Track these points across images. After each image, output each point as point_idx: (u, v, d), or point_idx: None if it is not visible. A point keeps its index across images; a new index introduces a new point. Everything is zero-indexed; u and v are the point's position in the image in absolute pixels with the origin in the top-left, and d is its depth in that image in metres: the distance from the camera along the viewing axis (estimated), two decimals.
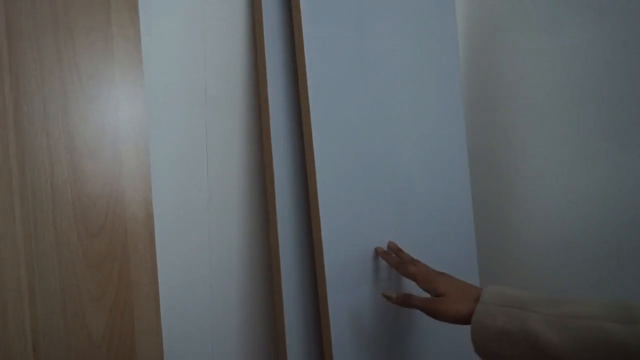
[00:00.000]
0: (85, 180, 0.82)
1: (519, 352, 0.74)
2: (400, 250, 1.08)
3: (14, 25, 0.75)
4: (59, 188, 0.80)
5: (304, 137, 1.05)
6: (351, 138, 1.10)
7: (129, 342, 0.86)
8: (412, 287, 1.02)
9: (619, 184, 1.22)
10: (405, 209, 1.19)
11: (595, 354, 0.69)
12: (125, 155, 0.87)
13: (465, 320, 0.83)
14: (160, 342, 0.89)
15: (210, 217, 1.03)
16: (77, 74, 0.82)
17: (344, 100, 1.10)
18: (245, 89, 1.06)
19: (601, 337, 0.69)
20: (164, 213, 0.96)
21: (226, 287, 1.04)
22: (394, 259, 1.05)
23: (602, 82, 1.22)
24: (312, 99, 1.03)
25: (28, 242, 0.75)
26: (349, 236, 1.08)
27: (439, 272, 0.96)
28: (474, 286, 0.90)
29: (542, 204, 1.35)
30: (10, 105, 0.75)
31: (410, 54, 1.23)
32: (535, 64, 1.31)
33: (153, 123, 0.95)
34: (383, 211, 1.15)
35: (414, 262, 1.02)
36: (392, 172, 1.17)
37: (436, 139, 1.26)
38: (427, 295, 0.93)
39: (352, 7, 1.12)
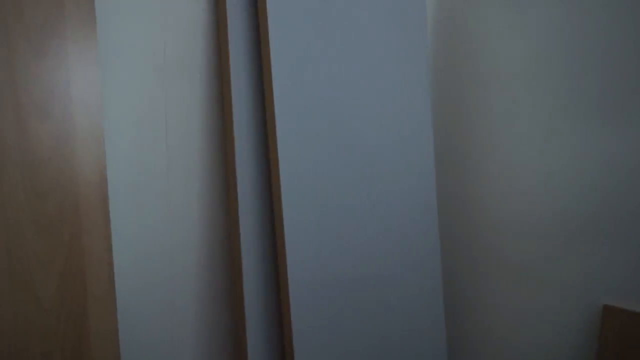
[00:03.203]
0: (32, 140, 0.78)
1: None
2: None
3: None
4: (6, 147, 0.76)
5: (265, 100, 1.03)
6: (315, 112, 1.08)
7: (81, 309, 0.83)
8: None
9: (582, 162, 1.24)
10: (367, 186, 1.17)
11: None
12: (77, 116, 0.83)
13: None
14: (113, 310, 0.87)
15: (169, 182, 1.01)
16: (23, 25, 0.77)
17: (308, 67, 1.07)
18: (206, 51, 1.03)
19: None
20: (119, 178, 0.93)
21: (186, 257, 1.02)
22: None
23: (565, 62, 1.22)
24: (274, 64, 1.01)
25: None
26: (308, 203, 1.07)
27: None
28: None
29: (506, 183, 1.36)
30: None
31: (377, 30, 1.21)
32: (503, 42, 1.31)
33: (108, 83, 0.91)
34: (343, 187, 1.14)
35: None
36: (352, 147, 1.15)
37: (401, 117, 1.24)
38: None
39: None
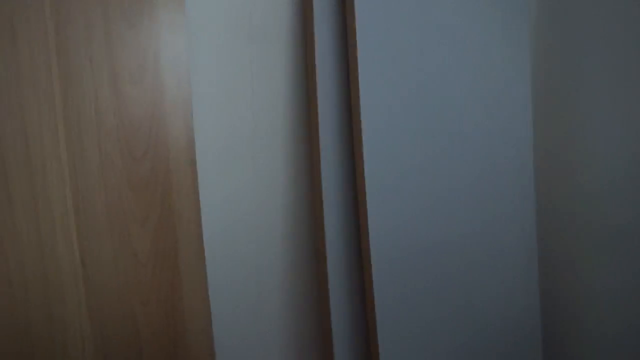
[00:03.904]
0: (127, 105, 0.84)
1: None
2: None
3: None
4: (102, 113, 0.82)
5: (349, 71, 1.00)
6: (402, 81, 1.04)
7: (173, 263, 0.89)
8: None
9: None
10: (457, 155, 1.13)
11: None
12: (167, 82, 0.87)
13: None
14: (202, 266, 0.92)
15: (254, 147, 1.03)
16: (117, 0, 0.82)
17: (397, 50, 1.02)
18: (291, 18, 1.02)
19: None
20: (207, 142, 0.97)
21: (270, 219, 1.05)
22: None
23: None
24: (360, 33, 0.97)
25: (72, 163, 0.78)
26: (391, 175, 1.04)
27: None
28: None
29: (602, 150, 1.26)
30: (52, 30, 0.76)
31: (477, 18, 1.13)
32: (605, 10, 1.18)
33: (196, 50, 0.94)
34: (434, 162, 1.10)
35: None
36: (443, 117, 1.10)
37: (497, 85, 1.17)
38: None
39: None
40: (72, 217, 0.79)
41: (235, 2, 0.99)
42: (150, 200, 0.87)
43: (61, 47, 0.78)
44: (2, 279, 0.73)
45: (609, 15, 1.19)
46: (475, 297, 1.17)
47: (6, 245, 0.73)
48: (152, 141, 0.87)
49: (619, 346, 1.19)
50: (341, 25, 1.02)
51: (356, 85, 0.99)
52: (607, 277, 1.23)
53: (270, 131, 1.04)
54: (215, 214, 1.00)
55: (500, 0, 1.17)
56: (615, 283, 1.21)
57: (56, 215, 0.77)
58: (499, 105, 1.18)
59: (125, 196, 0.85)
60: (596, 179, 1.27)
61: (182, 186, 0.90)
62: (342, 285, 1.05)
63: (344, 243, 1.05)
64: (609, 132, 1.22)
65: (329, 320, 1.05)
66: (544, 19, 1.33)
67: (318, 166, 1.02)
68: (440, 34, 1.08)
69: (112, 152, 0.83)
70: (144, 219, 0.87)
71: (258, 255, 1.05)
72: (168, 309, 0.90)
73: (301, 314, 1.10)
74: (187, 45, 0.89)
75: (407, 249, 1.08)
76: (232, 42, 1.00)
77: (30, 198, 0.74)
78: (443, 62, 1.09)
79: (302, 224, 1.08)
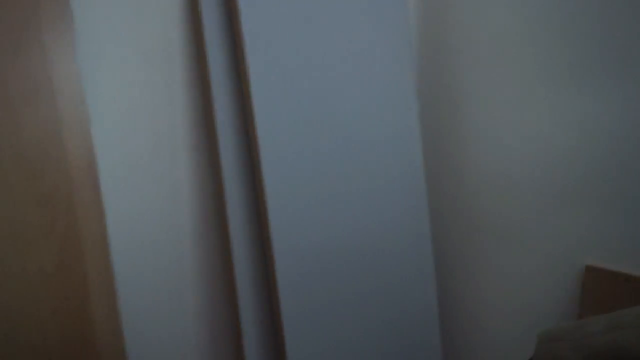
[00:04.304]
0: (24, 127, 0.88)
1: None
2: None
3: None
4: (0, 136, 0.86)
5: (242, 81, 1.08)
6: (291, 89, 1.12)
7: (80, 270, 0.96)
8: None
9: (563, 127, 1.23)
10: (348, 156, 1.20)
11: None
12: (61, 105, 0.92)
13: None
14: (109, 271, 0.98)
15: (157, 162, 1.09)
16: (3, 25, 0.85)
17: (285, 56, 1.10)
18: (183, 37, 1.08)
19: (605, 349, 0.78)
20: (110, 160, 1.02)
21: (178, 223, 1.12)
22: None
23: (544, 31, 1.20)
24: (249, 48, 1.04)
25: None
26: (289, 170, 1.12)
27: None
28: None
29: (488, 147, 1.37)
30: None
31: (354, 21, 1.20)
32: (484, 10, 1.29)
33: (92, 73, 0.99)
34: (327, 163, 1.17)
35: None
36: (337, 126, 1.18)
37: (383, 92, 1.25)
38: None
39: None
40: None
41: (129, 22, 1.04)
42: (54, 213, 0.93)
43: None
44: None
45: (491, 7, 1.27)
46: (374, 295, 1.26)
47: None
48: (51, 159, 0.92)
49: (511, 341, 1.32)
50: (231, 40, 1.09)
51: (249, 95, 1.07)
52: (495, 272, 1.34)
53: (171, 145, 1.11)
54: (123, 224, 1.06)
55: (382, 3, 1.24)
56: (504, 275, 1.32)
57: None
58: (387, 106, 1.27)
59: (27, 211, 0.90)
60: (481, 177, 1.36)
61: (85, 198, 0.95)
62: (250, 286, 1.14)
63: (249, 246, 1.14)
64: (493, 132, 1.31)
65: (238, 320, 1.14)
66: (426, 17, 1.41)
67: (220, 177, 1.10)
68: (326, 40, 1.16)
69: (11, 170, 0.88)
70: (49, 232, 0.92)
71: (169, 260, 1.13)
72: (78, 316, 0.96)
73: (214, 315, 1.19)
74: (79, 66, 0.94)
75: (308, 249, 1.16)
76: (128, 63, 1.05)
77: None
78: (331, 67, 1.17)
79: (210, 228, 1.16)
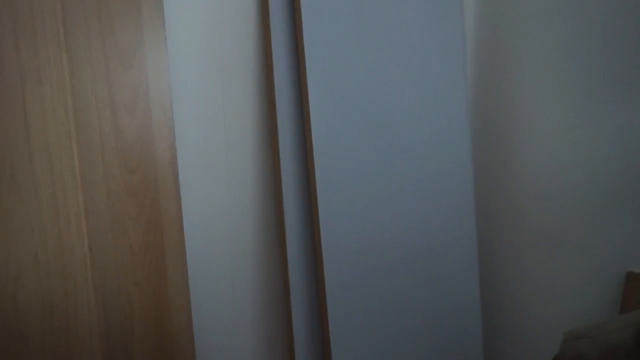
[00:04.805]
0: (124, 130, 1.10)
1: None
2: None
3: (67, 15, 1.02)
4: (105, 136, 1.08)
5: (302, 96, 1.25)
6: (347, 96, 1.26)
7: (160, 251, 1.14)
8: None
9: (601, 134, 1.29)
10: (402, 165, 1.29)
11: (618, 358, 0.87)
12: (154, 111, 1.13)
13: None
14: (183, 254, 1.17)
15: (227, 162, 1.28)
16: (115, 49, 1.08)
17: (341, 63, 1.25)
18: (255, 56, 1.28)
19: (621, 345, 0.88)
20: (188, 158, 1.22)
21: (242, 217, 1.30)
22: None
23: (589, 48, 1.28)
24: (309, 64, 1.22)
25: (82, 175, 1.04)
26: (342, 180, 1.26)
27: None
28: None
29: (539, 157, 1.43)
30: (67, 74, 1.02)
31: (410, 12, 1.31)
32: (536, 27, 1.38)
33: (178, 85, 1.20)
34: (378, 164, 1.29)
35: None
36: (388, 129, 1.29)
37: (436, 98, 1.34)
38: None
39: None
40: (83, 215, 1.04)
41: (210, 45, 1.25)
42: (142, 202, 1.12)
43: (74, 88, 1.04)
44: (31, 261, 0.98)
45: (541, 25, 1.35)
46: (420, 295, 1.32)
47: (35, 236, 0.98)
48: (143, 157, 1.12)
49: (551, 343, 1.32)
50: (295, 54, 1.27)
51: (307, 108, 1.24)
52: (538, 276, 1.38)
53: (240, 147, 1.30)
54: (195, 214, 1.25)
55: (437, 10, 1.32)
56: (547, 281, 1.35)
57: (71, 214, 1.03)
58: (439, 111, 1.33)
59: (123, 200, 1.10)
60: (529, 182, 1.40)
61: (167, 192, 1.15)
62: (301, 281, 1.28)
63: (302, 243, 1.29)
64: (541, 140, 1.36)
65: (290, 313, 1.27)
66: (481, 28, 1.52)
67: (279, 176, 1.27)
68: (381, 51, 1.26)
69: (113, 166, 1.09)
70: (137, 217, 1.12)
71: (231, 247, 1.30)
72: (156, 289, 1.14)
73: (269, 301, 1.34)
74: (169, 82, 1.15)
75: (357, 249, 1.24)
76: (208, 77, 1.25)
77: (53, 201, 0.99)
78: (386, 78, 1.27)
79: (268, 225, 1.33)
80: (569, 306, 1.33)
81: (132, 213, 1.12)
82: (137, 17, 1.10)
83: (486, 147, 1.52)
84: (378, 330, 1.29)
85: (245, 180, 1.31)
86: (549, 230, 1.38)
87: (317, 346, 1.30)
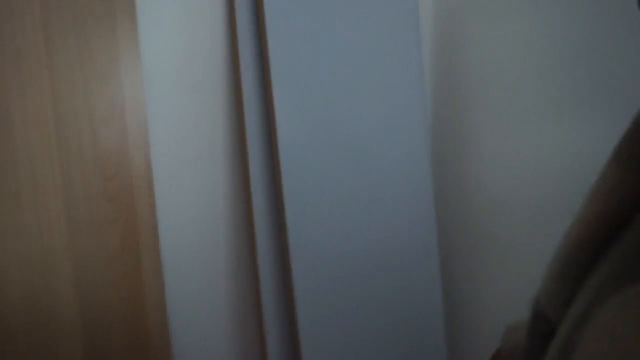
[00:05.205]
0: (101, 141, 1.20)
1: None
2: None
3: (49, 36, 1.13)
4: (84, 147, 1.18)
5: (268, 108, 1.37)
6: (311, 112, 1.38)
7: (136, 254, 1.24)
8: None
9: (559, 152, 1.39)
10: (363, 172, 1.39)
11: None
12: (130, 124, 1.23)
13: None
14: (158, 256, 1.26)
15: (199, 171, 1.39)
16: (92, 67, 1.19)
17: (304, 76, 1.38)
18: (224, 73, 1.40)
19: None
20: (162, 166, 1.33)
21: (214, 222, 1.40)
22: None
23: (545, 66, 1.39)
24: (274, 77, 1.34)
25: (64, 182, 1.14)
26: (307, 184, 1.38)
27: None
28: None
29: (497, 171, 1.52)
30: (49, 91, 1.13)
31: (367, 21, 1.44)
32: (495, 46, 1.50)
33: (152, 100, 1.31)
34: (340, 171, 1.40)
35: None
36: (350, 137, 1.39)
37: (395, 107, 1.44)
38: None
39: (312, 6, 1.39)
40: (63, 218, 1.13)
41: (183, 62, 1.36)
42: (119, 207, 1.22)
43: (55, 103, 1.14)
44: (14, 261, 1.07)
45: (499, 29, 1.45)
46: (384, 298, 1.39)
47: (16, 237, 1.07)
48: (120, 166, 1.22)
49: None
50: (261, 72, 1.39)
51: (274, 123, 1.36)
52: (494, 279, 1.45)
53: (211, 156, 1.40)
54: (170, 219, 1.35)
55: (393, 17, 1.43)
56: (506, 285, 1.42)
57: (52, 217, 1.12)
58: (398, 121, 1.43)
59: (100, 205, 1.20)
60: (484, 194, 1.49)
61: (142, 198, 1.25)
62: (271, 281, 1.39)
63: (272, 246, 1.39)
64: (498, 150, 1.45)
65: (261, 310, 1.37)
66: (438, 33, 1.64)
67: (248, 183, 1.38)
68: (342, 59, 1.37)
69: (92, 174, 1.19)
70: (114, 221, 1.22)
71: (204, 249, 1.40)
72: (132, 288, 1.23)
73: (241, 300, 1.44)
74: (143, 96, 1.26)
75: (323, 252, 1.34)
76: (180, 91, 1.37)
77: (35, 204, 1.09)
78: (347, 87, 1.39)
79: (239, 228, 1.43)
80: (524, 308, 1.40)
81: (110, 217, 1.21)
82: (112, 38, 1.21)
83: (444, 158, 1.62)
84: (346, 330, 1.37)
85: (217, 187, 1.41)
86: (502, 237, 1.46)
87: (288, 342, 1.39)
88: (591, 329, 0.28)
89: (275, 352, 1.38)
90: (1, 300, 1.05)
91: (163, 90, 1.34)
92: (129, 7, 1.22)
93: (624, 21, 1.25)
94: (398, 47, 1.48)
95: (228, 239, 1.43)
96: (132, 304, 1.23)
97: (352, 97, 1.43)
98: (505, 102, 1.46)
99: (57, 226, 1.11)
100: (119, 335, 1.21)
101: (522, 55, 1.41)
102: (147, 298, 1.25)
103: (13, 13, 1.08)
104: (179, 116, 1.37)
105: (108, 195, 1.21)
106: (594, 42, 1.27)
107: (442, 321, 1.49)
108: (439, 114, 1.64)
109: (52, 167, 1.12)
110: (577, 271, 0.34)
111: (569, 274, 0.35)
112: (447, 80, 1.63)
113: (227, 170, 1.42)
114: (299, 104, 1.37)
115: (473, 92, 1.55)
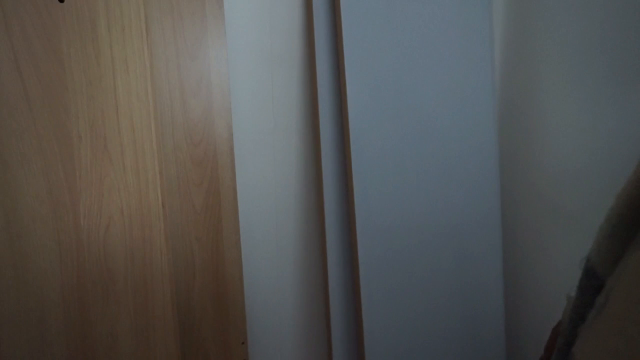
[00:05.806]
0: (190, 110, 1.33)
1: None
2: None
3: (149, 15, 1.25)
4: (175, 115, 1.31)
5: (340, 84, 1.45)
6: (381, 86, 1.45)
7: (217, 213, 1.37)
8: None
9: (622, 123, 1.40)
10: (431, 149, 1.44)
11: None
12: (215, 95, 1.35)
13: None
14: (236, 217, 1.39)
15: (274, 139, 1.50)
16: (184, 43, 1.31)
17: (375, 54, 1.44)
18: (300, 49, 1.48)
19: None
20: (242, 134, 1.44)
21: (286, 188, 1.51)
22: None
23: (611, 38, 1.38)
24: (347, 55, 1.41)
25: (158, 147, 1.28)
26: (375, 157, 1.45)
27: None
28: None
29: (562, 143, 1.54)
30: (148, 65, 1.26)
31: (439, 5, 1.47)
32: (560, 19, 1.50)
33: (234, 73, 1.42)
34: (408, 147, 1.46)
35: None
36: (418, 115, 1.45)
37: (464, 85, 1.48)
38: None
39: None
40: (158, 178, 1.28)
41: (262, 40, 1.46)
42: (204, 171, 1.35)
43: (152, 76, 1.27)
44: (118, 214, 1.23)
45: (569, 19, 1.44)
46: (446, 272, 1.44)
47: (121, 194, 1.23)
48: (205, 133, 1.35)
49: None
50: (334, 50, 1.46)
51: (345, 94, 1.43)
52: (557, 254, 1.46)
53: (285, 127, 1.51)
54: (247, 184, 1.47)
55: (465, 9, 1.46)
56: (568, 259, 1.44)
57: (149, 176, 1.27)
58: (466, 99, 1.47)
59: (188, 168, 1.34)
60: (550, 167, 1.50)
61: (224, 163, 1.37)
62: (337, 245, 1.49)
63: (339, 211, 1.49)
64: (562, 126, 1.46)
65: (326, 274, 1.48)
66: (509, 22, 1.66)
67: (319, 153, 1.47)
68: (412, 42, 1.43)
69: (181, 140, 1.32)
70: (199, 183, 1.35)
71: (276, 212, 1.52)
72: (213, 244, 1.38)
73: (308, 262, 1.55)
74: (227, 69, 1.37)
75: (389, 225, 1.40)
76: (260, 66, 1.47)
77: (135, 166, 1.24)
78: (416, 66, 1.45)
79: (309, 195, 1.54)
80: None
81: (196, 180, 1.35)
82: (202, 17, 1.32)
83: (510, 132, 1.65)
84: (407, 302, 1.45)
85: (290, 156, 1.52)
86: (566, 212, 1.48)
87: (350, 306, 1.50)
88: (627, 273, 0.29)
89: (339, 312, 1.49)
90: (106, 249, 1.22)
91: (244, 64, 1.45)
92: None
93: None
94: (469, 27, 1.50)
95: (298, 204, 1.54)
96: (213, 259, 1.37)
97: (421, 70, 1.47)
98: (572, 75, 1.46)
99: (153, 186, 1.25)
100: (200, 287, 1.36)
101: (598, 24, 1.39)
102: (226, 255, 1.38)
103: None
104: (258, 88, 1.47)
105: (195, 159, 1.34)
106: None
107: (501, 291, 1.54)
108: (505, 87, 1.65)
109: (150, 133, 1.26)
110: (627, 229, 0.34)
111: (619, 231, 0.35)
112: (515, 54, 1.64)
113: (300, 141, 1.52)
114: (369, 81, 1.44)
115: (540, 65, 1.55)
